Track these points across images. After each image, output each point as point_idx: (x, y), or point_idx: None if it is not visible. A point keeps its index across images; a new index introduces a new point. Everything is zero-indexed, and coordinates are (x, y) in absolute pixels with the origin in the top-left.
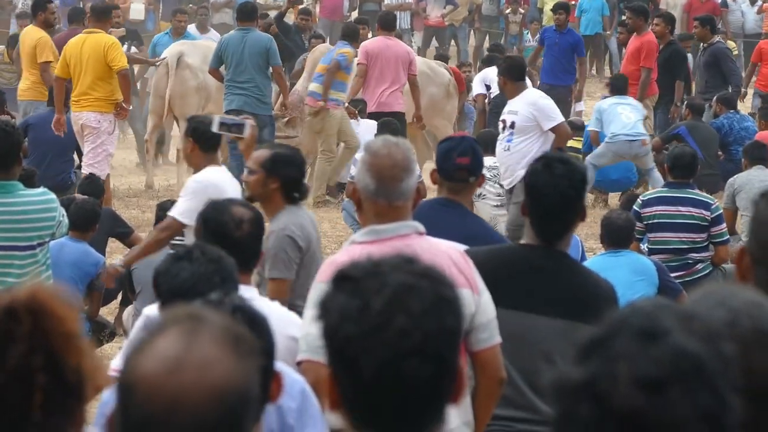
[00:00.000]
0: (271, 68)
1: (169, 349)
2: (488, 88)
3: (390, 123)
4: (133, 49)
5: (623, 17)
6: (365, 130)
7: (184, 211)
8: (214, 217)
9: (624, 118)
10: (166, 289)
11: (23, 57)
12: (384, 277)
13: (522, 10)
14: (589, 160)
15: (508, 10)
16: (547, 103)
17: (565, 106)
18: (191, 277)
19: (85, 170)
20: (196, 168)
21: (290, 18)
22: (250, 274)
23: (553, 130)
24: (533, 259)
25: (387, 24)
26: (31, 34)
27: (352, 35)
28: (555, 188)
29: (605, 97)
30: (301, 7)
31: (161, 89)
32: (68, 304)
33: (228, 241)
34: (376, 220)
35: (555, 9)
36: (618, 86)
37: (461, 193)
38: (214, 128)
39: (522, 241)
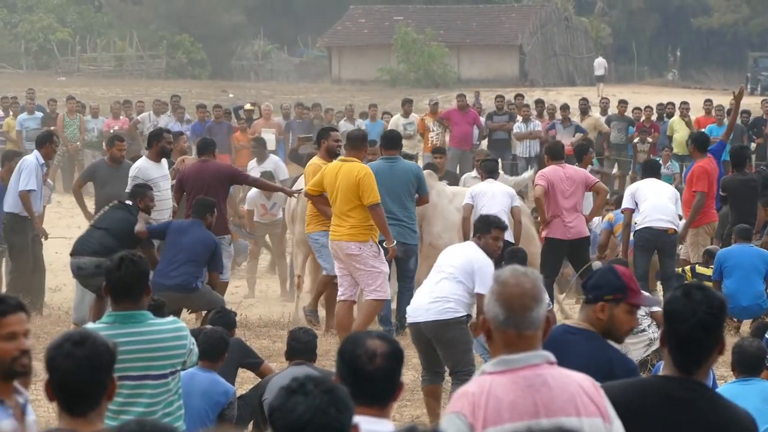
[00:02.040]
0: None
1: None
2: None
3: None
4: None
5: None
6: None
7: None
8: (350, 350)
9: None
10: (283, 425)
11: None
12: None
13: (650, 139)
14: None
15: (636, 139)
16: None
17: None
18: (307, 411)
19: (369, 296)
20: None
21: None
22: (386, 408)
23: None
24: (671, 391)
25: (556, 154)
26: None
27: None
28: (693, 314)
29: None
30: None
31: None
32: None
33: (361, 375)
34: (506, 350)
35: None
36: None
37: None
38: None
39: (661, 373)
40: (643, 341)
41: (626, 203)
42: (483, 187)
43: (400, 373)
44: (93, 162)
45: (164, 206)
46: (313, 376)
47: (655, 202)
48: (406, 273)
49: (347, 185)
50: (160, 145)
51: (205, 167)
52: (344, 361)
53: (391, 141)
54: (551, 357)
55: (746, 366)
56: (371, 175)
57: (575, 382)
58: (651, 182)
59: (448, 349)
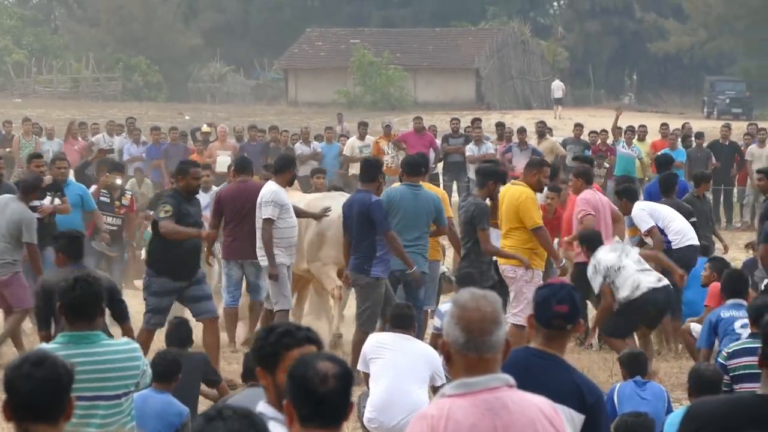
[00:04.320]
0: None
1: None
2: (661, 231)
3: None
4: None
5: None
6: None
7: None
8: (301, 372)
9: None
10: None
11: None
12: None
13: (607, 164)
14: None
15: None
16: None
17: None
18: None
19: (510, 319)
20: None
21: None
22: (338, 429)
23: None
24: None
25: (591, 179)
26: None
27: None
28: None
29: None
30: None
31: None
32: None
33: (313, 397)
34: (465, 373)
35: None
36: None
37: (557, 341)
38: None
39: (759, 392)
40: (655, 276)
41: (648, 223)
42: None
43: (351, 394)
44: None
45: (292, 233)
46: (230, 405)
47: (684, 222)
48: (416, 302)
49: (508, 207)
50: (292, 171)
51: (244, 188)
52: (295, 384)
53: (414, 167)
54: (511, 380)
55: (703, 390)
56: (532, 200)
57: (535, 405)
58: (659, 205)
59: None
